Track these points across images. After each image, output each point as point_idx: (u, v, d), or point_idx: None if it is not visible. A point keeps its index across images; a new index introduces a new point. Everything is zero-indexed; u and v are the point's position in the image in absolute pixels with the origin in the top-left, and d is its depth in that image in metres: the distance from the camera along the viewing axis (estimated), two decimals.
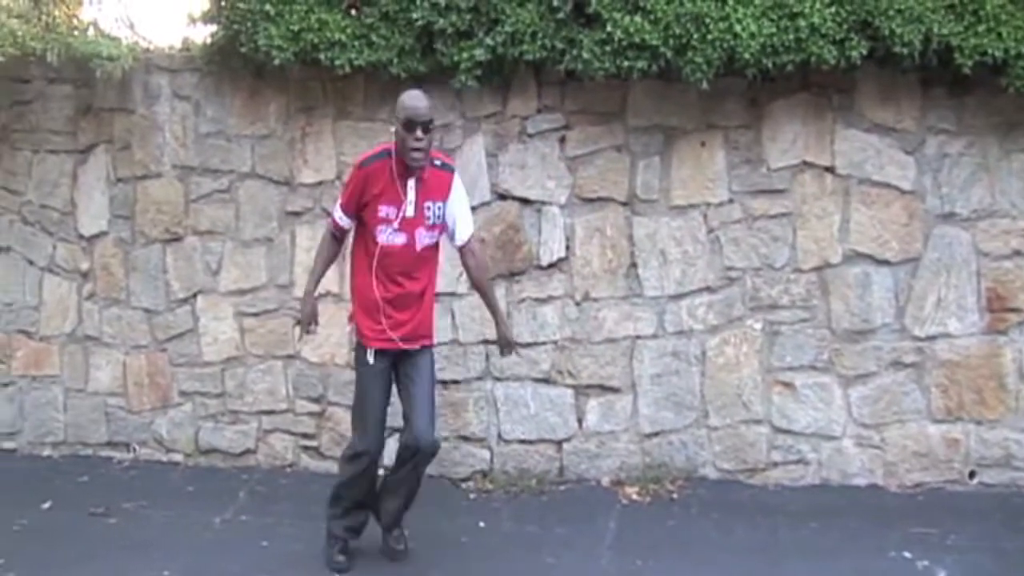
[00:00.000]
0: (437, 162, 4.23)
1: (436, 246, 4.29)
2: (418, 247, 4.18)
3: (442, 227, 4.25)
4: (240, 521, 4.94)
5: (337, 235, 4.35)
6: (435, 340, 4.43)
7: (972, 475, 5.05)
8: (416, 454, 4.24)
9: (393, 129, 4.12)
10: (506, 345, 4.45)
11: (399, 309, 4.20)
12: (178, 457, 5.68)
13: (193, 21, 5.41)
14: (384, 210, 4.12)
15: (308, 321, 4.42)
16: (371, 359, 4.23)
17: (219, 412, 5.63)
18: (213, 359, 5.61)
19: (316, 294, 4.43)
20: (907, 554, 4.38)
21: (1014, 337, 4.99)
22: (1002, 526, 4.61)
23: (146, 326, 5.67)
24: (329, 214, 4.59)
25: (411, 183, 4.12)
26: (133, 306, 5.67)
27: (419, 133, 4.03)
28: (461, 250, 4.34)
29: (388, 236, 4.15)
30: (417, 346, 4.27)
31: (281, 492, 5.28)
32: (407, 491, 4.40)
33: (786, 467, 5.15)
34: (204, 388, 5.64)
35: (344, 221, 4.26)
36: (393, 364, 4.28)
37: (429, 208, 4.16)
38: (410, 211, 4.12)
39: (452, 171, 4.28)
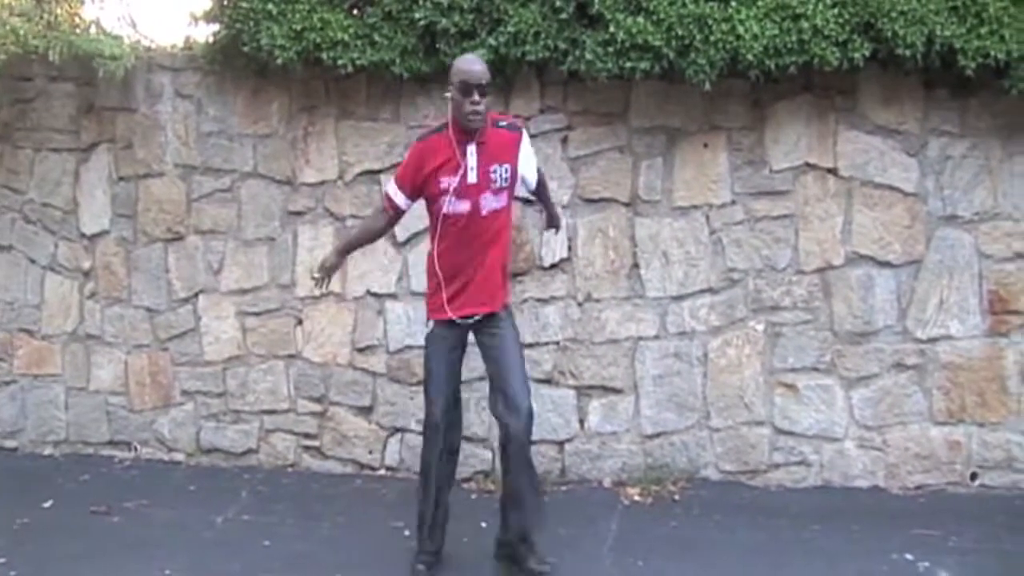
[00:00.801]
0: (502, 123, 4.17)
1: (505, 211, 4.18)
2: (483, 211, 4.08)
3: (510, 190, 4.17)
4: (242, 520, 4.94)
5: (388, 212, 4.27)
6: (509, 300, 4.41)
7: (974, 477, 5.05)
8: (510, 425, 4.09)
9: (449, 95, 4.04)
10: (553, 225, 4.61)
11: (466, 279, 4.13)
12: (180, 456, 5.68)
13: (195, 20, 5.40)
14: (445, 181, 4.04)
15: (323, 275, 4.37)
16: (434, 328, 4.20)
17: (221, 411, 5.63)
18: (215, 358, 5.61)
19: (336, 262, 4.39)
20: (909, 556, 4.38)
21: (1016, 340, 4.98)
22: (1004, 528, 4.61)
23: (148, 325, 5.67)
24: (382, 196, 4.59)
25: (471, 149, 4.04)
26: (135, 305, 5.67)
27: (475, 96, 3.95)
28: (533, 192, 4.44)
29: (451, 206, 4.06)
30: (488, 310, 4.18)
31: (283, 492, 5.28)
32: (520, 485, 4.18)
33: (788, 469, 5.15)
34: (206, 387, 5.64)
35: (398, 198, 4.20)
36: (465, 336, 4.25)
37: (495, 172, 4.07)
38: (472, 177, 4.04)
39: (519, 130, 4.21)
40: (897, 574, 4.26)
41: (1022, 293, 4.96)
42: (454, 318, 4.15)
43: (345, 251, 4.44)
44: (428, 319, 4.26)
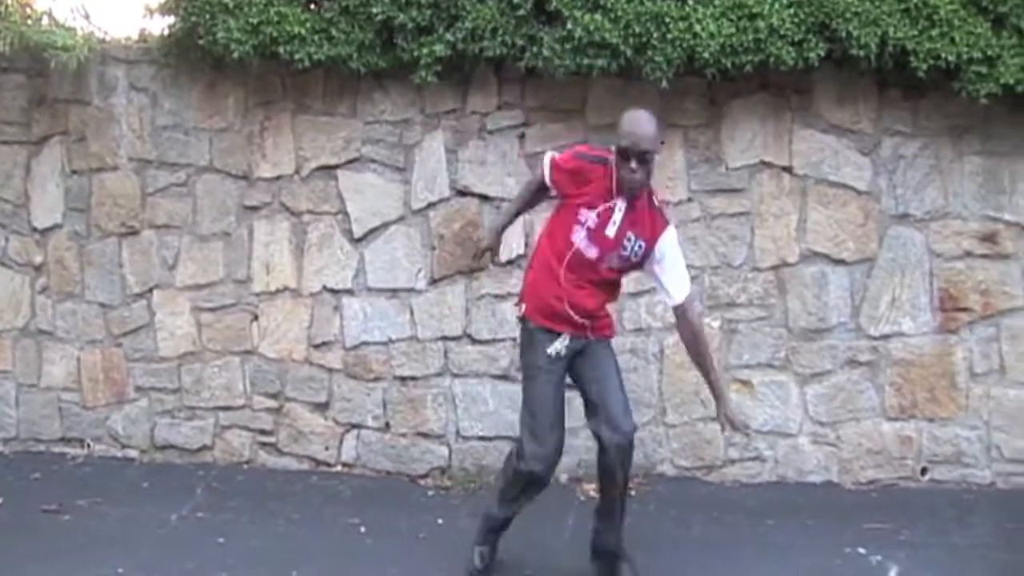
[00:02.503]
0: (656, 201, 3.91)
1: (619, 280, 4.01)
2: (602, 268, 3.87)
3: (637, 265, 3.93)
4: (196, 518, 4.90)
5: (542, 190, 4.06)
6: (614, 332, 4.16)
7: (924, 472, 5.13)
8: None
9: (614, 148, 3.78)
10: (729, 424, 4.07)
11: (572, 311, 3.88)
12: (133, 453, 5.62)
13: (150, 12, 5.35)
14: (584, 215, 3.81)
15: (487, 249, 4.23)
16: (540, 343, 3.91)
17: (175, 408, 5.58)
18: (169, 354, 5.56)
19: (495, 242, 4.25)
20: (861, 550, 4.44)
21: (965, 336, 5.07)
22: (953, 522, 4.69)
23: (101, 321, 5.60)
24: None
25: (620, 204, 3.79)
26: (88, 300, 5.60)
27: (633, 164, 3.70)
28: (676, 312, 3.99)
29: (580, 240, 3.83)
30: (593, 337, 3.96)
31: (238, 489, 5.24)
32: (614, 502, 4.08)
33: (743, 464, 5.20)
34: (160, 384, 5.58)
35: (552, 182, 3.95)
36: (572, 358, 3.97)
37: (629, 240, 3.83)
38: (610, 231, 3.81)
39: (667, 223, 3.92)
40: (850, 568, 4.32)
41: (971, 291, 5.04)
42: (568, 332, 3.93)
43: (502, 225, 4.26)
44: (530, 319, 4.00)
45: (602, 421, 3.91)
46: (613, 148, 3.79)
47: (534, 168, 5.12)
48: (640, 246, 3.87)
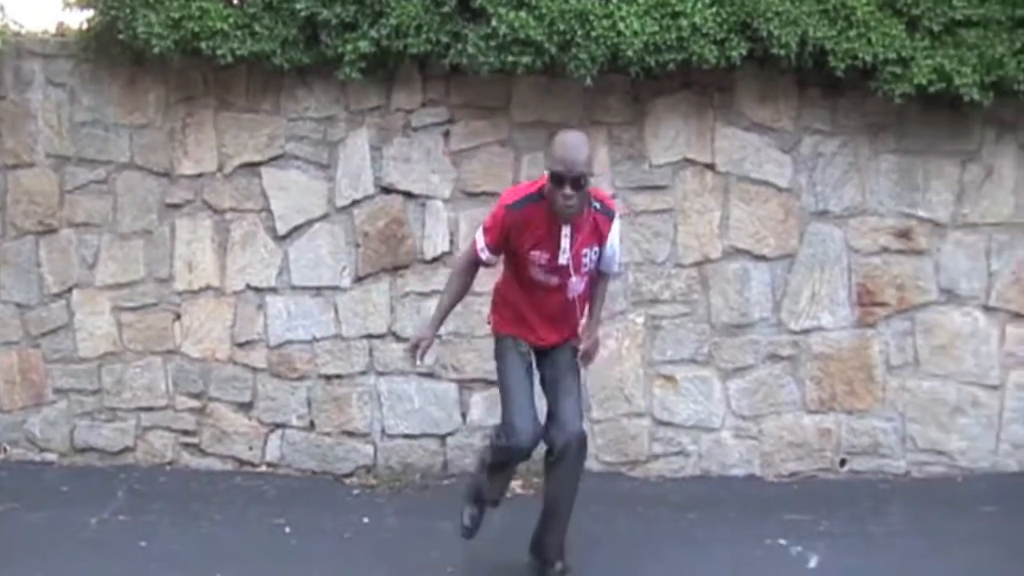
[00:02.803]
0: (596, 204, 3.81)
1: (585, 291, 3.97)
2: (569, 295, 3.89)
3: (594, 271, 3.95)
4: (118, 521, 4.82)
5: (476, 266, 3.94)
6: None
7: (843, 463, 5.24)
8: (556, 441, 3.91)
9: (547, 173, 3.71)
10: (585, 355, 4.07)
11: (544, 328, 3.96)
12: (52, 457, 5.51)
13: (68, 5, 5.24)
14: (536, 255, 3.79)
15: (416, 348, 3.97)
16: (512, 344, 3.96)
17: (96, 409, 5.48)
18: (89, 355, 5.46)
19: (432, 337, 4.01)
20: (782, 541, 4.51)
21: (881, 330, 5.18)
22: (869, 511, 4.79)
23: (18, 321, 5.48)
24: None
25: (565, 231, 3.74)
26: (4, 300, 5.49)
27: (567, 190, 3.61)
28: (600, 275, 4.04)
29: (539, 274, 3.83)
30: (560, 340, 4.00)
31: (160, 490, 5.17)
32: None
33: (667, 459, 5.26)
34: (80, 385, 5.48)
35: (488, 256, 3.86)
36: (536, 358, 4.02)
37: (586, 255, 3.83)
38: (563, 259, 3.77)
39: (612, 217, 3.87)
40: (771, 559, 4.38)
41: (887, 285, 5.16)
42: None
43: (438, 325, 4.01)
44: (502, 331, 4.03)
45: (551, 422, 3.93)
46: (545, 173, 3.72)
47: (458, 165, 5.18)
48: (595, 252, 3.87)
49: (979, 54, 4.79)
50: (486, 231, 3.85)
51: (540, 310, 3.93)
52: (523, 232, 3.76)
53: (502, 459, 4.04)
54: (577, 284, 3.89)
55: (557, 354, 4.02)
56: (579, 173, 3.61)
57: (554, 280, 3.85)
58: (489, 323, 4.17)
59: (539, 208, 3.73)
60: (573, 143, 3.69)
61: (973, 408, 5.19)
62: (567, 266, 3.80)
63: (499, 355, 4.03)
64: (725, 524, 4.70)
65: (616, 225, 3.90)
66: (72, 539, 4.60)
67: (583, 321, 4.07)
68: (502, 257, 3.94)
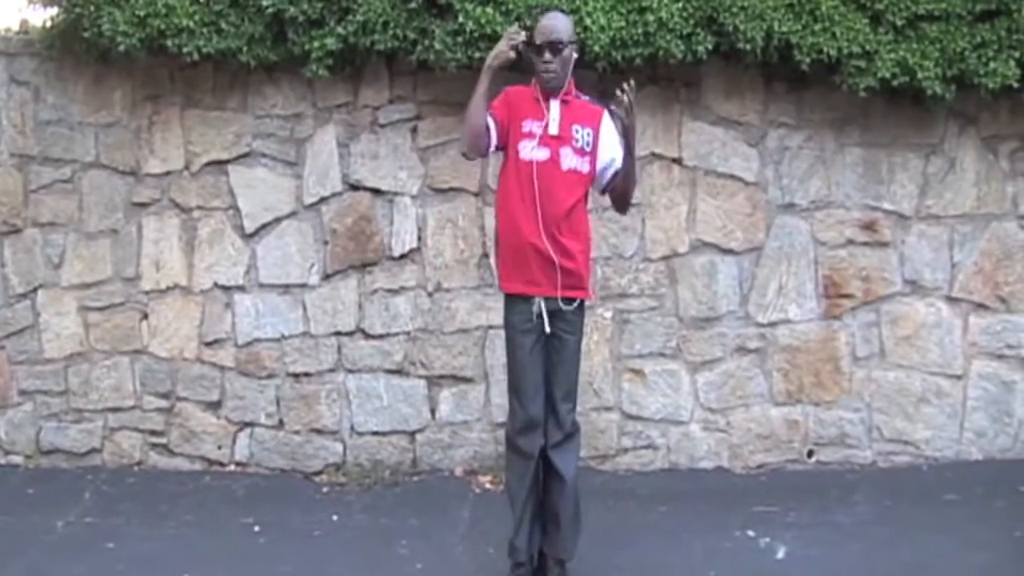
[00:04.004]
0: (585, 97, 4.04)
1: (584, 181, 3.97)
2: (563, 166, 3.91)
3: (591, 157, 3.95)
4: (85, 523, 4.77)
5: (486, 128, 3.93)
6: (590, 294, 4.21)
7: (811, 454, 5.28)
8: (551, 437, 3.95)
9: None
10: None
11: (546, 244, 3.88)
12: (17, 459, 5.44)
13: (32, 3, 5.17)
14: (527, 125, 3.92)
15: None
16: (518, 313, 3.93)
17: (62, 411, 5.43)
18: (55, 356, 5.40)
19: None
20: (751, 532, 4.54)
21: (847, 322, 5.23)
22: (837, 502, 4.83)
23: None
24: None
25: (554, 104, 3.92)
26: None
27: (547, 55, 3.86)
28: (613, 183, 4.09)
29: (530, 152, 3.90)
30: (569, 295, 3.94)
31: (128, 492, 5.13)
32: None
33: (636, 452, 5.28)
34: (46, 386, 5.42)
35: (490, 122, 3.90)
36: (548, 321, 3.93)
37: (577, 131, 3.93)
38: (553, 128, 3.91)
39: (602, 108, 4.01)
40: (740, 550, 4.41)
41: (853, 277, 5.21)
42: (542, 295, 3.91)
43: (491, 72, 3.95)
44: (509, 292, 4.01)
45: (548, 412, 3.96)
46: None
47: (426, 161, 5.18)
48: (589, 134, 3.95)
49: (941, 48, 4.83)
50: (491, 106, 3.98)
51: (536, 206, 3.86)
52: (518, 103, 3.95)
53: (514, 456, 4.02)
54: (571, 157, 3.92)
55: (563, 328, 3.94)
56: (556, 39, 3.87)
57: (543, 154, 3.89)
58: (497, 278, 4.29)
59: (530, 88, 3.98)
60: (552, 14, 4.04)
61: (937, 398, 5.25)
62: (557, 136, 3.90)
63: (507, 332, 4.03)
64: (694, 516, 4.73)
65: (607, 119, 3.98)
66: (39, 542, 4.54)
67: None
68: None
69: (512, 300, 3.98)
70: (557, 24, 3.92)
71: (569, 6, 4.75)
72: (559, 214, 3.88)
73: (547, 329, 3.91)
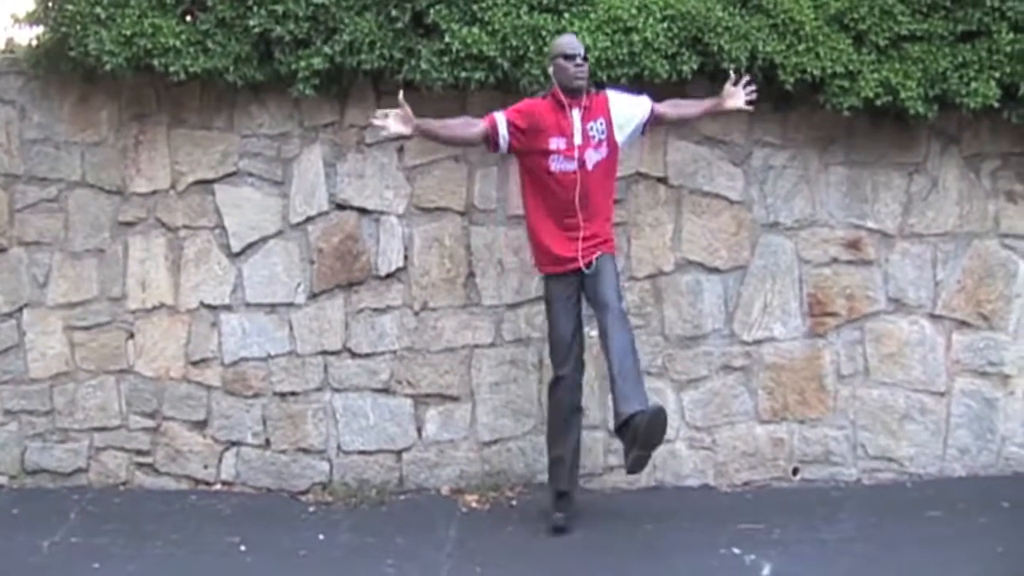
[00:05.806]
0: (592, 90, 4.64)
1: (609, 164, 4.66)
2: (589, 166, 4.55)
3: (608, 140, 4.60)
4: (70, 543, 4.75)
5: (484, 128, 4.56)
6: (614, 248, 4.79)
7: (796, 472, 5.30)
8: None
9: (551, 70, 4.58)
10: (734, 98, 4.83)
11: (577, 229, 4.57)
12: (2, 479, 5.42)
13: (17, 22, 5.17)
14: (554, 142, 4.52)
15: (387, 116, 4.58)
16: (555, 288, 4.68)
17: (47, 430, 5.40)
18: (41, 375, 5.38)
19: (407, 118, 4.56)
20: (736, 550, 4.55)
21: (832, 340, 5.26)
22: (822, 519, 4.84)
23: None
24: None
25: (575, 112, 4.55)
26: None
27: (578, 61, 4.50)
28: (657, 117, 4.76)
29: (560, 164, 4.53)
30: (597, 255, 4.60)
31: (114, 511, 5.11)
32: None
33: (622, 471, 5.24)
34: (31, 406, 5.40)
35: (502, 127, 4.54)
36: (580, 287, 4.65)
37: (592, 128, 4.56)
38: (578, 138, 4.54)
39: (603, 89, 4.70)
40: (725, 568, 4.42)
41: (837, 295, 5.24)
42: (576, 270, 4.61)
43: (420, 128, 4.60)
44: (546, 272, 4.75)
45: (597, 310, 4.62)
46: (551, 70, 4.60)
47: (413, 181, 5.19)
48: (601, 123, 4.60)
49: (923, 68, 4.89)
50: (508, 109, 4.60)
51: (569, 202, 4.54)
52: (542, 119, 4.53)
53: (556, 412, 4.75)
54: (593, 155, 4.57)
55: (599, 268, 4.59)
56: (583, 51, 4.56)
57: (572, 165, 4.54)
58: (535, 265, 4.86)
59: (545, 102, 4.59)
60: (570, 36, 4.65)
61: (921, 415, 5.28)
62: (581, 144, 4.55)
63: (547, 302, 4.76)
64: (680, 534, 4.73)
65: (611, 93, 4.68)
66: (24, 563, 4.52)
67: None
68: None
69: (548, 277, 4.72)
70: (577, 42, 4.60)
71: (555, 26, 4.80)
72: (591, 212, 4.58)
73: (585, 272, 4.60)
